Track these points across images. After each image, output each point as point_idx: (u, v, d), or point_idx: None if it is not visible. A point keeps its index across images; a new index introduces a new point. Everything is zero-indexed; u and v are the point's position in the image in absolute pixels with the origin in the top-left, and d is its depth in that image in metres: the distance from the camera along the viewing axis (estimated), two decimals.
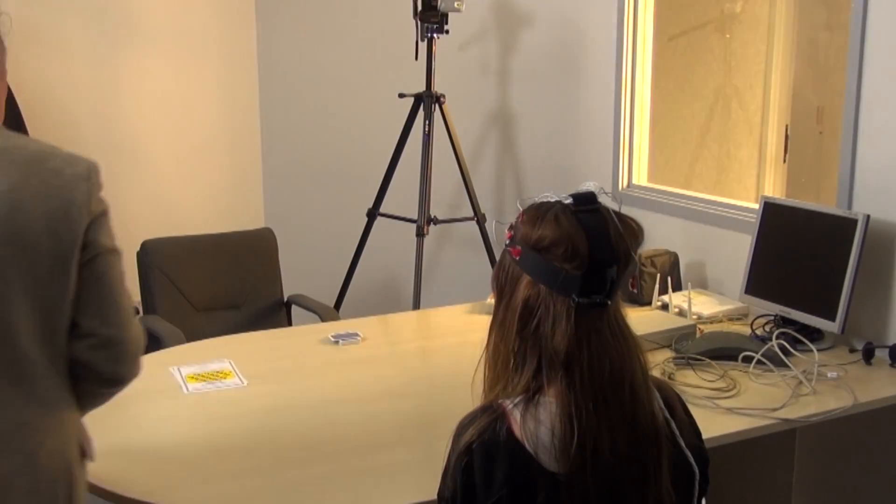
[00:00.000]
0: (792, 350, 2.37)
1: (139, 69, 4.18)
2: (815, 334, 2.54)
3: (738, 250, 2.94)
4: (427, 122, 3.77)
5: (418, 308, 3.66)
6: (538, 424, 1.25)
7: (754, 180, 4.21)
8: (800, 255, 2.62)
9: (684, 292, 2.93)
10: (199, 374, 2.31)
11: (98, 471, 1.76)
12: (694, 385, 2.23)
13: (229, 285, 3.29)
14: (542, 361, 1.27)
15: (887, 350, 2.43)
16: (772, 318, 2.69)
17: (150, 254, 3.16)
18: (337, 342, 2.60)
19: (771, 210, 2.74)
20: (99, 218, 1.43)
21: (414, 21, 3.74)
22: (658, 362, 2.37)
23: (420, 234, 3.72)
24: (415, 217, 3.76)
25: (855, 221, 2.45)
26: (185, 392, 2.20)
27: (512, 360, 1.31)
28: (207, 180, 4.39)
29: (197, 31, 4.25)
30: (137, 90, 4.19)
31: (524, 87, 4.29)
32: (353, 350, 2.55)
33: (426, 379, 2.37)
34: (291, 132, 4.41)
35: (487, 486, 1.24)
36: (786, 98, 4.21)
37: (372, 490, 1.71)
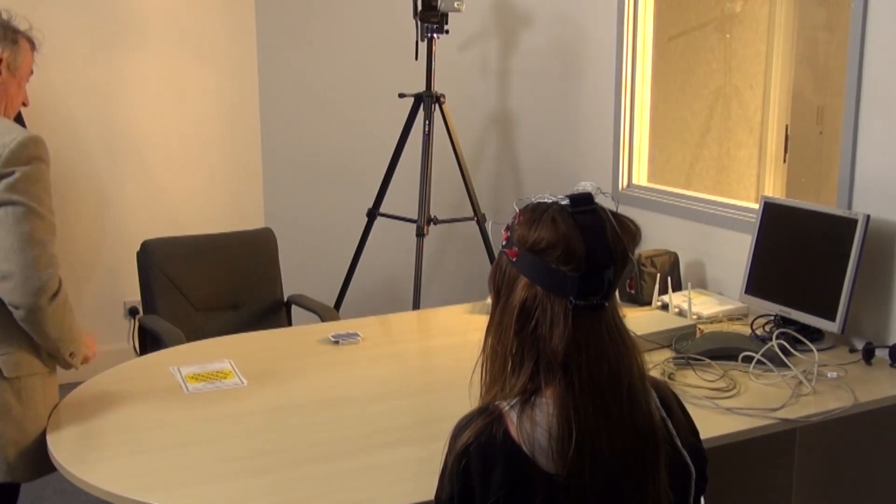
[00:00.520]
0: (792, 350, 2.37)
1: (139, 69, 4.18)
2: (815, 334, 2.54)
3: (738, 250, 2.94)
4: (427, 122, 3.78)
5: (418, 308, 3.66)
6: (535, 426, 1.24)
7: (754, 180, 4.22)
8: (800, 256, 2.62)
9: (684, 292, 2.93)
10: (199, 374, 2.31)
11: (98, 471, 1.76)
12: (694, 385, 2.23)
13: (229, 285, 3.29)
14: (539, 363, 1.26)
15: (887, 350, 2.43)
16: (772, 318, 2.69)
17: (150, 254, 3.16)
18: (337, 342, 2.60)
19: (771, 210, 2.74)
20: (5, 177, 1.80)
21: (414, 21, 3.74)
22: (658, 362, 2.37)
23: (420, 235, 3.72)
24: (415, 217, 3.76)
25: (855, 221, 2.45)
26: (185, 392, 2.20)
27: (509, 362, 1.30)
28: (207, 180, 4.39)
29: (197, 31, 4.25)
30: (137, 90, 4.20)
31: (524, 87, 4.29)
32: (353, 350, 2.55)
33: (426, 379, 2.37)
34: (291, 132, 4.41)
35: (485, 488, 1.24)
36: (786, 98, 4.21)
37: (372, 490, 1.71)
